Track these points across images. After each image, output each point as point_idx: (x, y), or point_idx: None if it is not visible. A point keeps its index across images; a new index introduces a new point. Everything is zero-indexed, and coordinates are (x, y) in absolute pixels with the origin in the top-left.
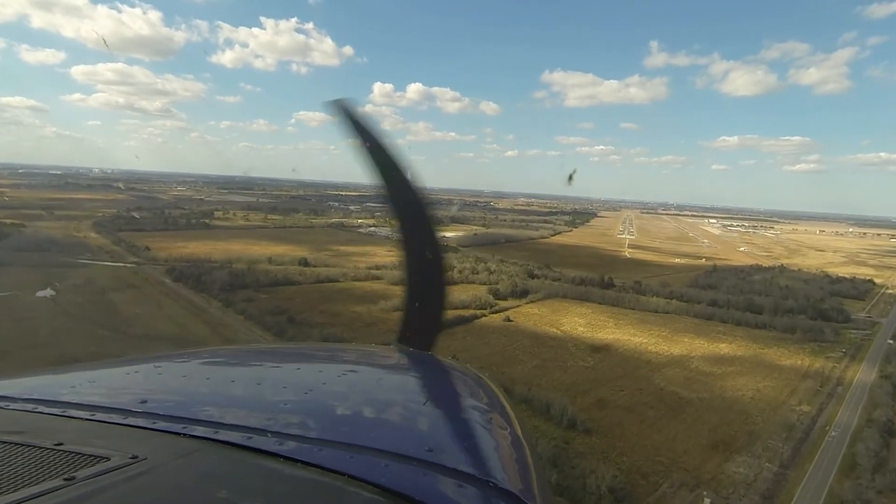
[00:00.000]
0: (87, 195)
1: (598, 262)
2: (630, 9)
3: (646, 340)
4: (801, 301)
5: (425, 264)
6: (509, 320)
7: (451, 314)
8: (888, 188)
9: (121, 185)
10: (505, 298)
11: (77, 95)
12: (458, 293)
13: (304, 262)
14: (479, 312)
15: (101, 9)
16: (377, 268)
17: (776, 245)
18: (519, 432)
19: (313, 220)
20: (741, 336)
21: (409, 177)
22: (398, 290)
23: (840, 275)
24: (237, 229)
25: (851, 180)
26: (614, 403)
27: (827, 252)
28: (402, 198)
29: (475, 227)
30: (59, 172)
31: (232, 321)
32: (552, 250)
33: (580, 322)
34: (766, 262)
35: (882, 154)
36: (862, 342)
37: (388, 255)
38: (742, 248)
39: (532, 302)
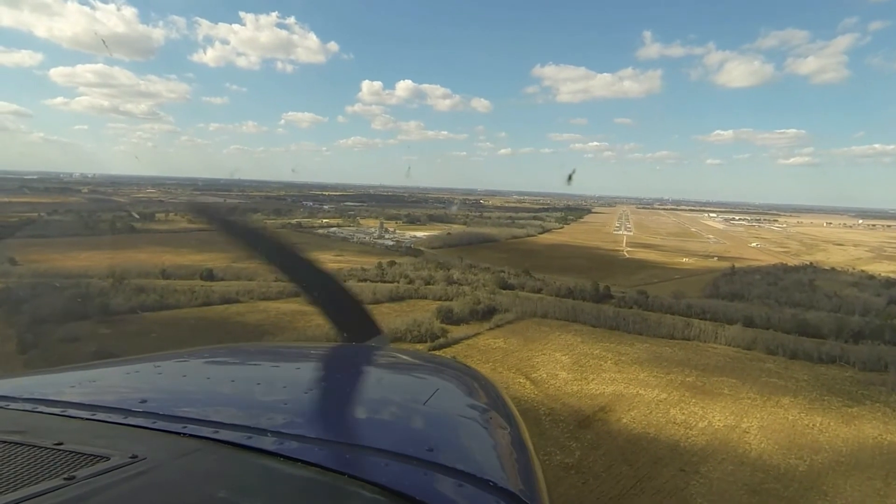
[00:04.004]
0: (28, 199)
1: (591, 264)
2: None
3: (664, 395)
4: (869, 316)
5: (319, 281)
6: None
7: None
8: (883, 180)
9: (85, 189)
10: (460, 323)
11: (60, 99)
12: (394, 316)
13: (208, 275)
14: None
15: (72, 5)
16: None
17: (789, 240)
18: (520, 432)
19: (269, 221)
20: (805, 379)
21: (266, 231)
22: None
23: (883, 274)
24: (168, 233)
25: (846, 172)
26: None
27: (848, 246)
28: (272, 249)
29: (455, 226)
30: (34, 177)
31: None
32: (538, 251)
33: (563, 361)
34: (789, 260)
35: (876, 146)
36: None
37: (334, 262)
38: (754, 244)
39: (498, 326)
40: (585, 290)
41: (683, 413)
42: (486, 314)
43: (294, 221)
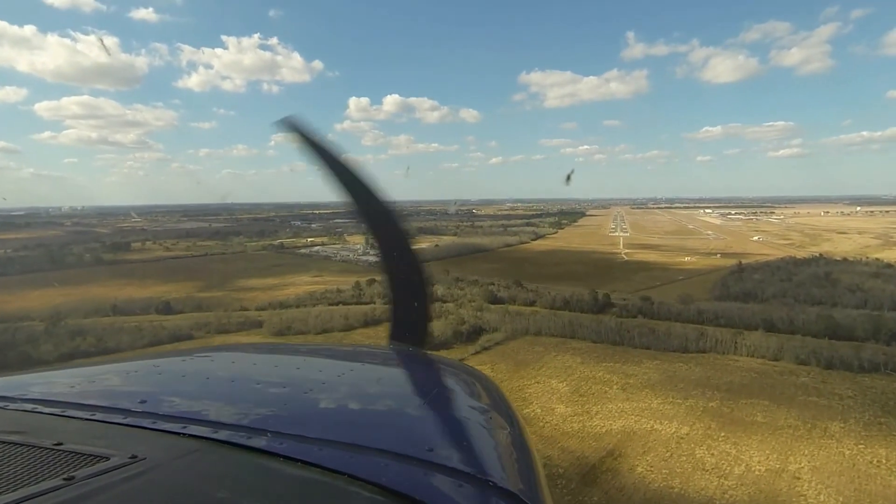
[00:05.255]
0: (6, 235)
1: (588, 269)
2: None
3: (685, 429)
4: None
5: (404, 265)
6: None
7: None
8: (872, 166)
9: (69, 222)
10: (440, 348)
11: (47, 133)
12: (371, 340)
13: (165, 309)
14: None
15: (52, 38)
16: (277, 306)
17: (790, 231)
18: (520, 432)
19: (249, 244)
20: (850, 395)
21: (372, 188)
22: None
23: None
24: (139, 263)
25: (836, 161)
26: None
27: (852, 234)
28: (369, 208)
29: (445, 238)
30: (21, 213)
31: None
32: (531, 259)
33: (561, 391)
34: (796, 253)
35: (864, 133)
36: None
37: (310, 284)
38: (756, 238)
39: (485, 349)
40: (583, 299)
41: (713, 454)
42: (471, 335)
43: (276, 242)
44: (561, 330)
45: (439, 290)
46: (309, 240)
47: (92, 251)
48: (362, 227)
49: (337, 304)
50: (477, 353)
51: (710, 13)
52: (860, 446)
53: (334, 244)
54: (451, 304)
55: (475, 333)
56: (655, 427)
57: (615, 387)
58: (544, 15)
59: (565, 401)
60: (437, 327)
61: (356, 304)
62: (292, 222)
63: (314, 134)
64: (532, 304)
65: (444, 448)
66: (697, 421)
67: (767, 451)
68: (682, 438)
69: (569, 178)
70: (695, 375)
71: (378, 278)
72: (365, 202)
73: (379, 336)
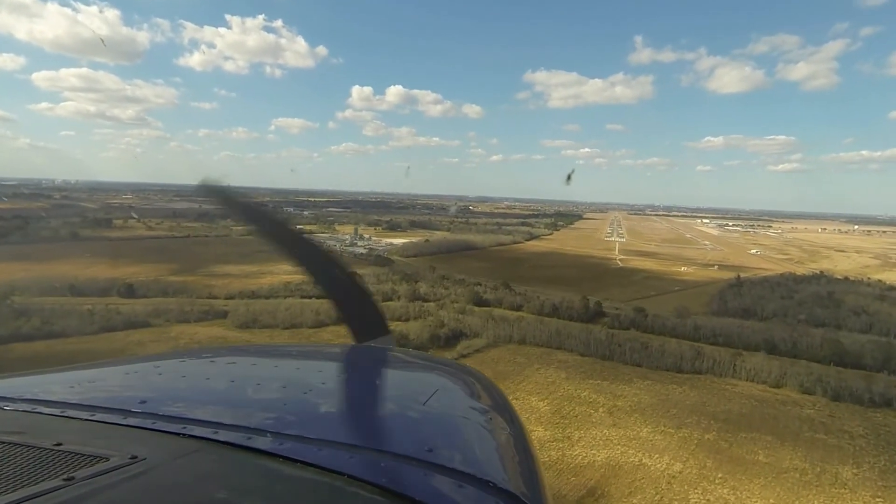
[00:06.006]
0: None
1: (581, 274)
2: (613, 1)
3: (677, 466)
4: None
5: (333, 277)
6: None
7: None
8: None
9: (58, 195)
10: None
11: (45, 104)
12: (344, 339)
13: (128, 292)
14: None
15: (52, 6)
16: (248, 296)
17: (788, 246)
18: (520, 432)
19: (235, 228)
20: (862, 434)
21: (287, 224)
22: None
23: None
24: (117, 241)
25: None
26: None
27: (850, 253)
28: (292, 242)
29: (437, 233)
30: (13, 183)
31: None
32: (523, 259)
33: (541, 410)
34: (795, 269)
35: (864, 152)
36: None
37: (289, 273)
38: (754, 251)
39: (464, 356)
40: (573, 306)
41: (709, 500)
42: (449, 340)
43: None
44: (547, 339)
45: (422, 288)
46: (298, 227)
47: (69, 226)
48: (294, 264)
49: (311, 297)
50: (457, 358)
51: (720, 21)
52: (878, 499)
53: (323, 233)
54: (433, 304)
55: (454, 338)
56: (644, 461)
57: (601, 409)
58: (553, 12)
59: (545, 423)
60: (413, 329)
61: None
62: (285, 208)
63: (233, 194)
64: (519, 308)
65: (443, 448)
66: (691, 456)
67: (772, 501)
68: (673, 477)
69: (569, 177)
70: (690, 400)
71: (361, 271)
72: (291, 241)
73: (348, 337)
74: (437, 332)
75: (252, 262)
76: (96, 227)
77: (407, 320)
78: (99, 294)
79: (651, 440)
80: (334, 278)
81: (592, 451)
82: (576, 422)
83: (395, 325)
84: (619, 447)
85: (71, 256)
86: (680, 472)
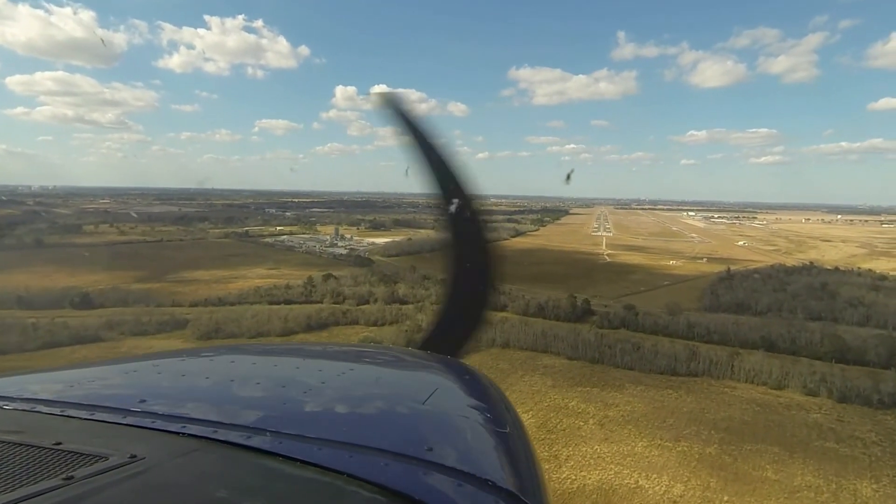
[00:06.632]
0: None
1: (568, 270)
2: None
3: (678, 487)
4: None
5: (471, 275)
6: None
7: None
8: (850, 177)
9: (31, 201)
10: None
11: (20, 109)
12: None
13: (83, 303)
14: None
15: (24, 8)
16: (213, 303)
17: (774, 237)
18: (520, 432)
19: (212, 231)
20: (875, 440)
21: (463, 183)
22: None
23: (893, 273)
24: (84, 247)
25: (815, 170)
26: None
27: (836, 242)
28: (454, 204)
29: (422, 231)
30: None
31: None
32: (508, 257)
33: (526, 422)
34: (784, 260)
35: (843, 144)
36: None
37: (262, 277)
38: (741, 243)
39: None
40: (560, 305)
41: None
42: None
43: (242, 230)
44: (532, 342)
45: (401, 289)
46: (278, 228)
47: (35, 233)
48: (440, 222)
49: (281, 302)
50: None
51: (702, 16)
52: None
53: (304, 234)
54: (411, 307)
55: None
56: (641, 483)
57: (591, 421)
58: (536, 9)
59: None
60: (388, 334)
61: (304, 302)
62: (266, 209)
63: (412, 113)
64: (503, 308)
65: (443, 447)
66: (693, 475)
67: None
68: (675, 503)
69: (569, 177)
70: (687, 407)
71: (337, 273)
72: (450, 196)
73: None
74: (414, 336)
75: (224, 266)
76: (65, 234)
77: (382, 325)
78: (50, 306)
79: (647, 457)
80: (472, 278)
81: (583, 473)
82: (563, 437)
83: (369, 331)
84: (612, 466)
85: (31, 265)
86: (681, 496)
